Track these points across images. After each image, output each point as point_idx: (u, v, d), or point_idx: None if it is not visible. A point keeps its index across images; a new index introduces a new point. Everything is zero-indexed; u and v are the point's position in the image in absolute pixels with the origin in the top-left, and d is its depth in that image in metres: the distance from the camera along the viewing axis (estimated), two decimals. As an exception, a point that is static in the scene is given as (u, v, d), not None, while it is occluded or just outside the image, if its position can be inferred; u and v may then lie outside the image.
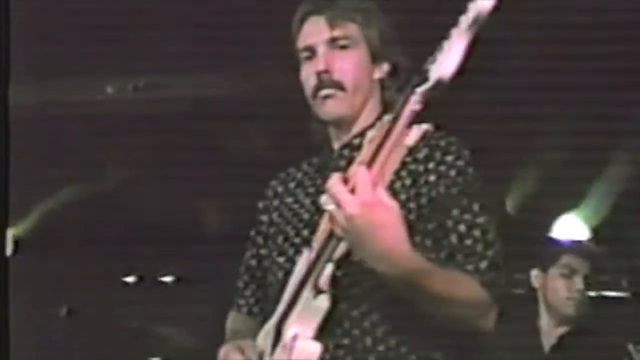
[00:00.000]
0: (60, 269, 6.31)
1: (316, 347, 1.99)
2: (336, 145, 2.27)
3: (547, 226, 5.67)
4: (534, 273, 3.85)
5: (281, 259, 2.22)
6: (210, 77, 4.56)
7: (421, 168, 2.10)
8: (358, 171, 1.79)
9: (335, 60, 2.19)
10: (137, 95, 4.63)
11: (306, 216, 2.23)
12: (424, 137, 1.95)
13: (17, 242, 6.33)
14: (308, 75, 2.22)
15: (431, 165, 2.10)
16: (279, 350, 2.03)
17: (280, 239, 2.25)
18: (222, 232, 5.48)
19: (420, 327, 2.02)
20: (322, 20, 2.22)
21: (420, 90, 1.76)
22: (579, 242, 4.70)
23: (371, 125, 2.14)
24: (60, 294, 6.36)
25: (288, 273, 2.14)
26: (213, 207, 5.57)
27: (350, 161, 2.12)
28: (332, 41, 2.20)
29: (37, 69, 4.66)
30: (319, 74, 2.18)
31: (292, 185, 2.34)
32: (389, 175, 1.89)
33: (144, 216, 5.61)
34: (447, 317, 1.96)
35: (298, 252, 2.15)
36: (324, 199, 1.82)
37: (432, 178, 2.09)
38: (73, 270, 6.26)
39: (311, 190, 2.27)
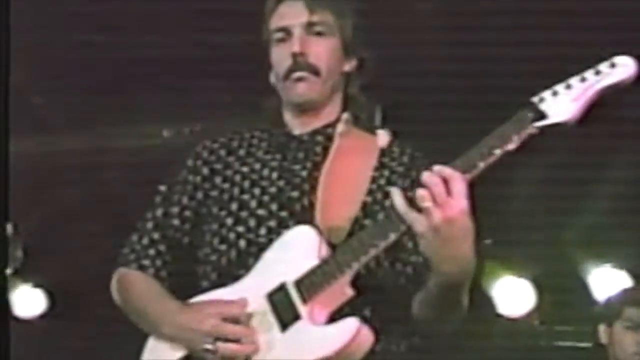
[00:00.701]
0: (92, 324, 6.28)
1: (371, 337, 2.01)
2: (298, 130, 2.29)
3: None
4: (602, 328, 3.80)
5: (240, 228, 2.18)
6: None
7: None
8: (456, 177, 1.83)
9: (311, 44, 2.23)
10: (193, 139, 4.65)
11: (272, 190, 2.20)
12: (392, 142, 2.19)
13: (52, 296, 6.31)
14: (281, 56, 2.25)
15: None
16: (301, 326, 2.00)
17: (234, 206, 2.21)
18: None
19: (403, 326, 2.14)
20: (300, 4, 2.25)
21: (539, 125, 1.86)
22: (635, 289, 4.64)
23: (337, 120, 2.27)
24: (92, 351, 6.31)
25: (251, 243, 2.14)
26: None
27: (326, 148, 2.23)
28: (309, 26, 2.24)
29: (87, 116, 4.71)
30: (294, 56, 2.21)
31: (242, 153, 2.31)
32: None
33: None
34: (453, 321, 2.10)
35: (261, 224, 2.16)
36: (421, 193, 1.83)
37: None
38: (104, 326, 6.22)
39: (274, 164, 2.25)
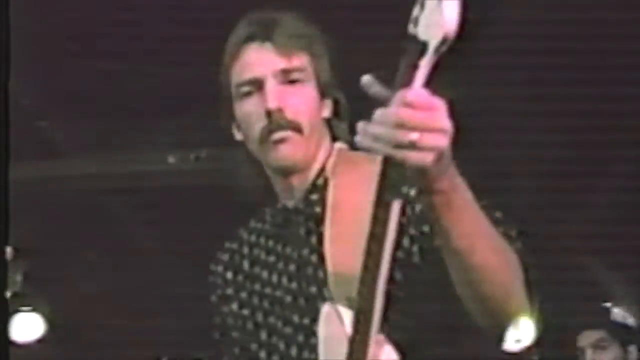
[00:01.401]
0: (89, 350, 6.27)
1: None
2: (292, 200, 1.93)
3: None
4: None
5: (276, 358, 1.91)
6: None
7: None
8: (420, 92, 1.40)
9: (287, 96, 1.85)
10: (198, 165, 4.67)
11: (289, 299, 1.91)
12: None
13: (50, 321, 6.30)
14: (251, 114, 1.86)
15: None
16: None
17: (263, 335, 1.93)
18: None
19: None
20: (270, 47, 1.87)
21: (424, 61, 1.42)
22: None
23: (324, 167, 1.92)
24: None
25: None
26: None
27: (324, 206, 1.88)
28: (283, 73, 1.86)
29: (92, 141, 4.73)
30: (269, 114, 1.83)
31: (246, 266, 2.00)
32: None
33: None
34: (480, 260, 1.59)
35: (290, 344, 1.89)
36: (401, 133, 1.38)
37: None
38: (103, 354, 6.22)
39: (280, 266, 1.94)
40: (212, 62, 4.01)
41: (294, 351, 1.88)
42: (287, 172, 1.91)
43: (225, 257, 2.05)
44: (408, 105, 1.38)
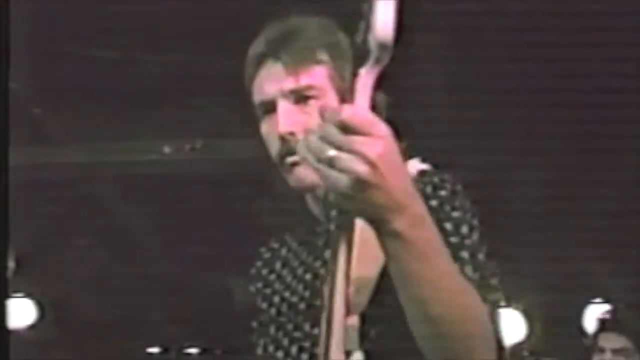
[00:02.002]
0: (80, 339, 6.28)
1: None
2: (316, 210, 1.90)
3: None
4: None
5: (280, 354, 1.92)
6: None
7: None
8: (353, 112, 1.32)
9: (300, 117, 1.78)
10: (193, 155, 4.70)
11: (302, 306, 1.91)
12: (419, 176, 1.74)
13: (42, 306, 6.32)
14: (268, 135, 1.82)
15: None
16: None
17: (272, 329, 1.94)
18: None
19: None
20: (279, 66, 1.79)
21: (364, 69, 1.32)
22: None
23: None
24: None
25: None
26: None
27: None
28: (292, 94, 1.79)
29: (87, 129, 4.74)
30: (282, 138, 1.77)
31: (278, 266, 2.00)
32: None
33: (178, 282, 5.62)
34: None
35: (293, 343, 1.88)
36: (321, 149, 1.30)
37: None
38: (94, 340, 6.23)
39: (299, 272, 1.94)
40: (209, 53, 4.04)
41: (294, 349, 1.88)
42: (307, 191, 1.87)
43: (267, 255, 2.04)
44: (338, 123, 1.29)
